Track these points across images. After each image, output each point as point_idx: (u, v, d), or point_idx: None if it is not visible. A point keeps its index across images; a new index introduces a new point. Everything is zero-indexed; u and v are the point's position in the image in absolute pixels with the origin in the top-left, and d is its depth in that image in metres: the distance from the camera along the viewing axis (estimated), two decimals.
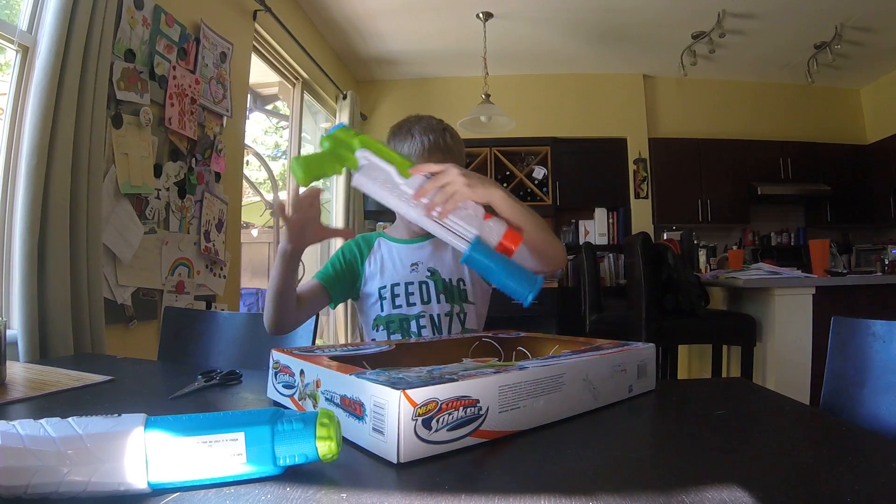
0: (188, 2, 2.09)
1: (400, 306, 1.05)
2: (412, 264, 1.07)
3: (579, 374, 0.62)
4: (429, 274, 1.06)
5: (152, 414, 0.44)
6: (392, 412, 0.46)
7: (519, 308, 3.53)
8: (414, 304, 1.04)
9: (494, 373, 0.53)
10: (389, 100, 4.54)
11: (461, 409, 0.49)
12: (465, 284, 1.07)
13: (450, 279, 1.06)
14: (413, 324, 1.03)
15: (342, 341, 3.73)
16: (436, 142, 1.02)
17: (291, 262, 0.88)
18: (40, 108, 1.34)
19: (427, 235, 1.11)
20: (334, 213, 3.76)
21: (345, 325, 3.70)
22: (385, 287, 1.06)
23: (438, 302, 1.04)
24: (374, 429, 0.48)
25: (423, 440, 0.46)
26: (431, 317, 1.03)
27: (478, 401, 0.50)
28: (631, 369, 0.70)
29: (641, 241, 2.56)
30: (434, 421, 0.47)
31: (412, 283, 1.05)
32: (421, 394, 0.46)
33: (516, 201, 0.78)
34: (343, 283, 1.07)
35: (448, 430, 0.48)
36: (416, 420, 0.46)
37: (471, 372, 0.53)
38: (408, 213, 0.74)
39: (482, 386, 0.51)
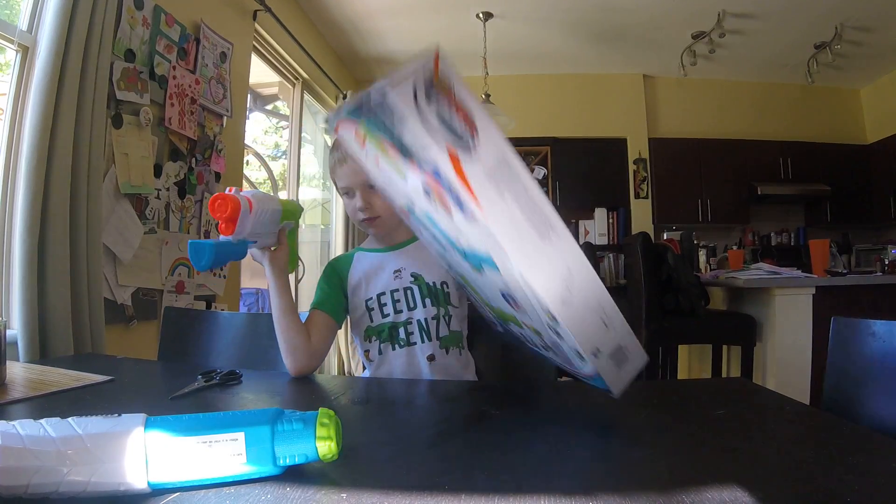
0: (188, 2, 2.09)
1: (388, 315, 1.04)
2: (395, 271, 1.07)
3: None
4: (412, 279, 1.06)
5: (152, 414, 0.44)
6: None
7: None
8: (401, 311, 1.04)
9: None
10: None
11: None
12: (447, 287, 1.06)
13: (433, 283, 1.06)
14: (401, 330, 1.03)
15: (343, 350, 3.72)
16: (330, 158, 1.08)
17: (282, 276, 0.97)
18: (40, 108, 1.34)
19: (406, 241, 1.11)
20: (334, 215, 3.77)
21: (345, 333, 3.70)
22: (371, 298, 1.06)
23: (424, 306, 1.03)
24: None
25: None
26: (419, 321, 1.03)
27: None
28: None
29: (641, 241, 2.56)
30: None
31: (397, 290, 1.05)
32: None
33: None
34: (340, 302, 1.08)
35: None
36: None
37: None
38: None
39: None
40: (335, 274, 1.10)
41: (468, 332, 1.10)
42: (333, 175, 1.08)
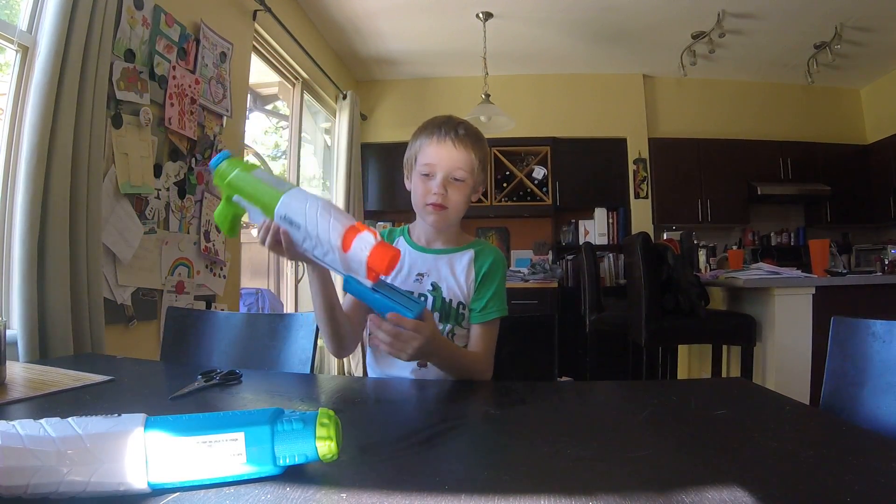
0: (188, 2, 2.09)
1: None
2: (418, 274, 1.06)
3: None
4: (430, 289, 1.04)
5: (152, 414, 0.44)
6: None
7: (518, 308, 3.52)
8: None
9: None
10: (389, 100, 4.54)
11: None
12: (463, 309, 1.04)
13: (450, 300, 1.04)
14: None
15: None
16: (446, 133, 1.01)
17: (317, 276, 0.90)
18: (40, 108, 1.34)
19: (445, 249, 1.08)
20: None
21: None
22: None
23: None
24: None
25: None
26: None
27: None
28: None
29: (641, 241, 2.56)
30: None
31: (412, 292, 1.03)
32: None
33: (442, 351, 0.91)
34: None
35: None
36: None
37: None
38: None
39: None
40: None
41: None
42: (418, 149, 1.03)
